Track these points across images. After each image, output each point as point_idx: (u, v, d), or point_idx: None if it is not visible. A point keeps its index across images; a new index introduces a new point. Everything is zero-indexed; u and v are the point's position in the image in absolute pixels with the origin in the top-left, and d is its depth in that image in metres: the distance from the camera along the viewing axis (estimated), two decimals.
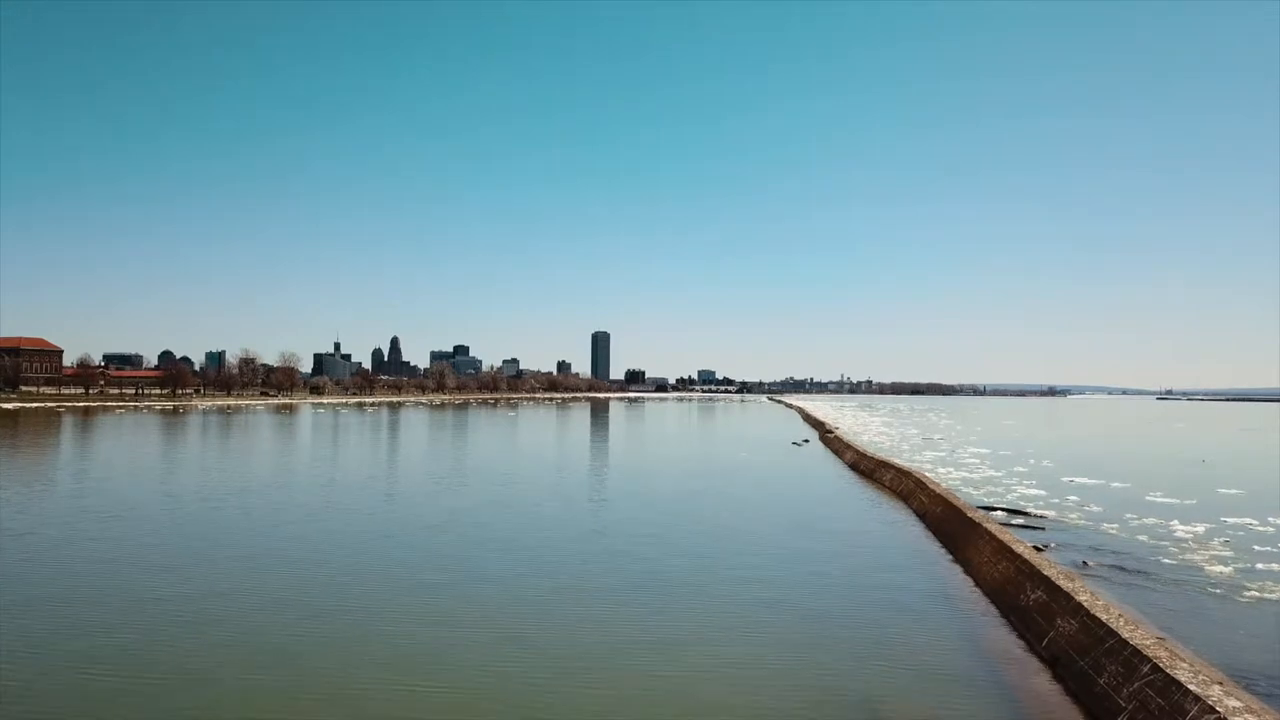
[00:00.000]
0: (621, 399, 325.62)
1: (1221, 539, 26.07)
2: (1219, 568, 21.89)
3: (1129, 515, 30.28)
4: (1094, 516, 30.22)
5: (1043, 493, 36.89)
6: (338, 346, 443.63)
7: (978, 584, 21.10)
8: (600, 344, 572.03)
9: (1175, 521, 28.80)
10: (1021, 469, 48.34)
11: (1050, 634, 15.60)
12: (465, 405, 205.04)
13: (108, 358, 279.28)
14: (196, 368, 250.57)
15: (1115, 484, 40.68)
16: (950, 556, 24.71)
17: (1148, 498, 35.58)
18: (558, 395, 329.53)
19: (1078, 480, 42.23)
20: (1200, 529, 27.55)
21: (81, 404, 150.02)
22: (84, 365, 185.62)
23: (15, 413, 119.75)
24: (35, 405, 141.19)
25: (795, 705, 13.01)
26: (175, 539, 26.13)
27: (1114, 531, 27.13)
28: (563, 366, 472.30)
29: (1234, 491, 38.25)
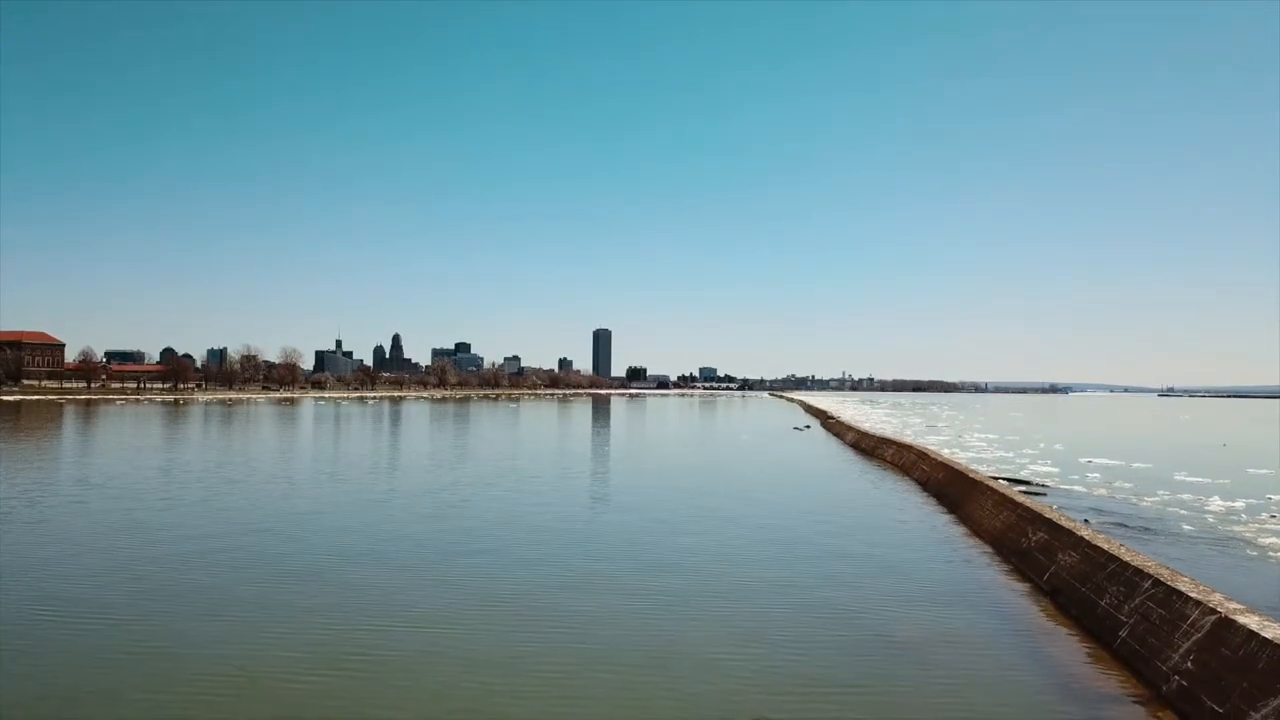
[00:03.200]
0: (623, 395, 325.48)
1: (1269, 513, 24.56)
2: (1273, 539, 20.30)
3: (1161, 491, 29.13)
4: (1123, 492, 29.07)
5: (1057, 470, 35.86)
6: (339, 344, 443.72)
7: (980, 535, 21.10)
8: (601, 341, 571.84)
9: (1215, 498, 27.55)
10: (1032, 451, 47.84)
11: (1051, 569, 15.58)
12: (466, 400, 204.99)
13: (110, 354, 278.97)
14: (198, 365, 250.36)
15: (1137, 464, 39.61)
16: (953, 516, 24.69)
17: (1176, 477, 34.31)
18: (559, 391, 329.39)
19: (1096, 461, 41.21)
20: (1240, 504, 26.26)
21: (83, 397, 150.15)
22: (86, 359, 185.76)
23: (17, 404, 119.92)
24: (36, 397, 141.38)
25: (801, 647, 13.01)
26: (155, 533, 26.11)
27: (1148, 504, 26.01)
28: (564, 364, 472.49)
29: (1265, 472, 37.48)
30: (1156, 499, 27.10)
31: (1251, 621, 9.65)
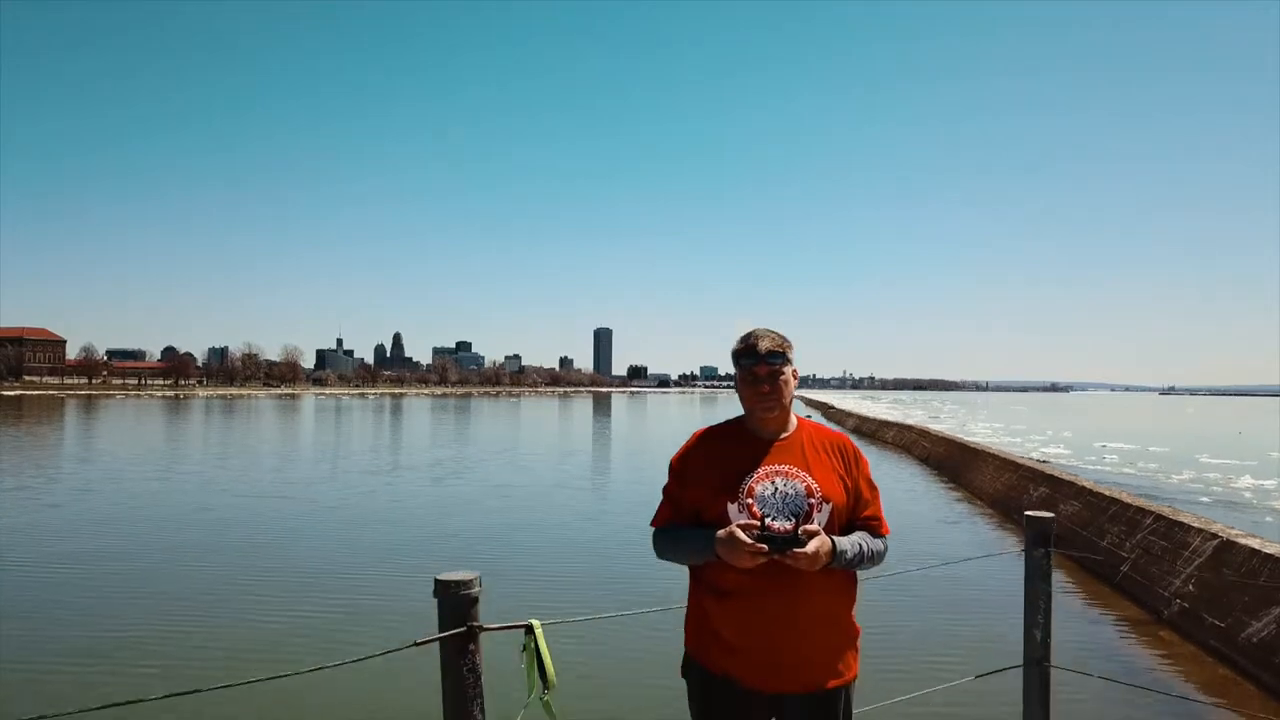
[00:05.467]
0: (624, 393, 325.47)
1: None
2: None
3: (1186, 471, 28.20)
4: (1146, 471, 28.15)
5: (1070, 453, 34.98)
6: (340, 342, 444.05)
7: (981, 498, 21.02)
8: (602, 340, 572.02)
9: (1246, 477, 26.50)
10: (1040, 437, 47.35)
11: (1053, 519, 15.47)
12: (467, 396, 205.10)
13: (111, 353, 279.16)
14: (200, 363, 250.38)
15: (1154, 448, 38.83)
16: (954, 484, 24.59)
17: (1199, 459, 33.35)
18: (560, 389, 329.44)
19: (1111, 445, 40.39)
20: (1271, 483, 25.14)
21: (84, 392, 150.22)
22: (87, 355, 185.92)
23: (18, 399, 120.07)
24: (37, 393, 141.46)
25: None
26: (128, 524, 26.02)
27: (1174, 482, 25.13)
28: (565, 363, 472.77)
29: None
30: (1183, 477, 26.58)
31: (1253, 542, 9.57)
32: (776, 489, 2.46)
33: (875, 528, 2.64)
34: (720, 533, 2.39)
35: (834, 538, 2.43)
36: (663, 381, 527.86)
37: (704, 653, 2.54)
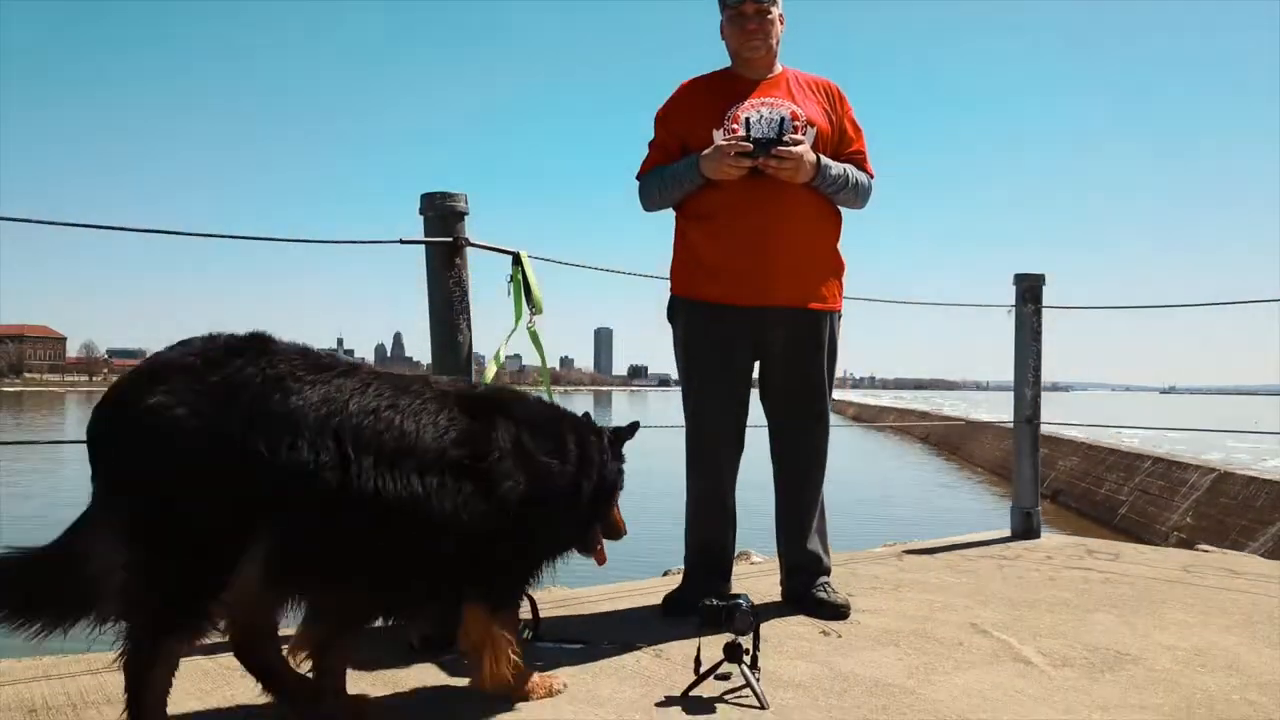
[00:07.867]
0: (624, 391, 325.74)
1: None
2: None
3: (1215, 453, 27.39)
4: (1173, 454, 26.93)
5: (1083, 435, 34.43)
6: (340, 342, 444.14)
7: (981, 466, 21.11)
8: (603, 340, 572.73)
9: None
10: (1047, 427, 46.77)
11: (1051, 475, 15.53)
12: None
13: (112, 351, 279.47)
14: None
15: (1172, 434, 37.83)
16: (955, 456, 24.64)
17: (1227, 443, 32.48)
18: (560, 388, 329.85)
19: (1126, 432, 39.55)
20: None
21: (84, 389, 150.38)
22: (88, 353, 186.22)
23: (19, 394, 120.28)
24: (38, 389, 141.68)
25: None
26: None
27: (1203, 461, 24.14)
28: (565, 362, 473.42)
29: None
30: (1210, 458, 26.01)
31: (1250, 472, 9.64)
32: (762, 116, 2.50)
33: (860, 161, 2.68)
34: (704, 151, 2.44)
35: (819, 154, 2.46)
36: (663, 381, 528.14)
37: (686, 286, 2.64)
